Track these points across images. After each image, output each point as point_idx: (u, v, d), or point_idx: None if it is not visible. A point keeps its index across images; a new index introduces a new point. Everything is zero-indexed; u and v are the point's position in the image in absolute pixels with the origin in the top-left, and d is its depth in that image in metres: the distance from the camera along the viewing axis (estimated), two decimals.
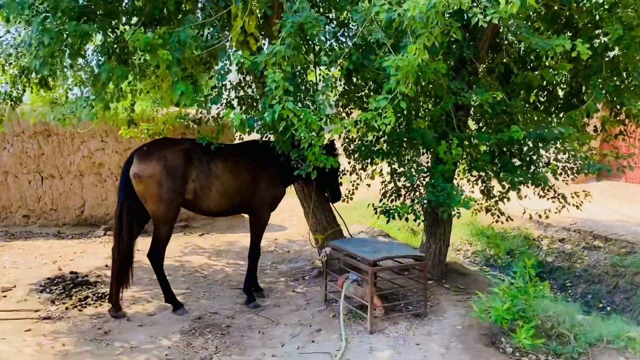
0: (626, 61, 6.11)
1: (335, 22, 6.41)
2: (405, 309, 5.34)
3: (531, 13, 6.93)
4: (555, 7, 6.12)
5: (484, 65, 7.08)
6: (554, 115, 7.36)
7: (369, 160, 5.90)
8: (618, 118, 7.27)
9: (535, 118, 6.77)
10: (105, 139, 9.95)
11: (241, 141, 6.07)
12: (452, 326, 4.87)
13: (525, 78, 6.37)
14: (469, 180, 6.45)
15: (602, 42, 6.27)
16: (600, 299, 7.44)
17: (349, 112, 6.87)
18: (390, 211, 5.70)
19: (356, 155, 6.13)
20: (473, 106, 6.92)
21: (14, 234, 9.64)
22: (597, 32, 6.48)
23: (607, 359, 4.21)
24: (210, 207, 5.48)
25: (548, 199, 6.29)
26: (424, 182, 5.93)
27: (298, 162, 5.32)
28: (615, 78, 6.25)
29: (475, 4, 4.36)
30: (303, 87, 5.35)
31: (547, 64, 7.50)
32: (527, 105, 6.97)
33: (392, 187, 6.12)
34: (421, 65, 4.93)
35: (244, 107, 5.80)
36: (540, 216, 7.02)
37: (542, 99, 7.87)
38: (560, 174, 6.06)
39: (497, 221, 7.15)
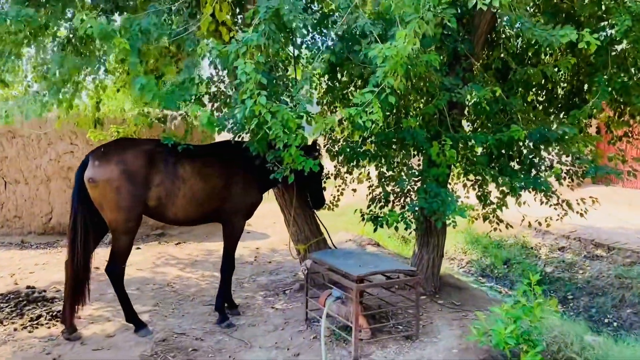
0: (635, 55, 5.69)
1: (319, 14, 5.94)
2: (394, 329, 4.84)
3: (530, 5, 6.53)
4: None
5: (480, 62, 6.63)
6: (553, 116, 6.96)
7: (354, 163, 5.40)
8: (622, 118, 6.87)
9: (535, 118, 6.33)
10: (74, 141, 9.38)
11: (213, 142, 5.54)
12: (447, 349, 4.38)
13: (524, 74, 5.93)
14: (464, 186, 5.98)
15: (608, 35, 5.86)
16: (605, 314, 7.00)
17: (334, 110, 6.39)
18: (379, 219, 5.22)
19: (341, 158, 5.62)
20: (468, 105, 6.50)
21: None
22: (602, 24, 6.07)
23: None
24: (177, 215, 4.95)
25: (551, 205, 5.83)
26: (416, 187, 5.45)
27: (274, 165, 4.81)
28: (622, 74, 5.82)
29: None
30: (280, 82, 4.84)
31: (545, 60, 7.06)
32: (525, 105, 6.53)
33: (380, 193, 5.63)
34: (411, 56, 4.49)
35: (216, 104, 5.28)
36: (540, 224, 6.57)
37: (540, 98, 7.46)
38: (564, 178, 5.61)
39: (495, 229, 6.70)
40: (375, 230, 5.31)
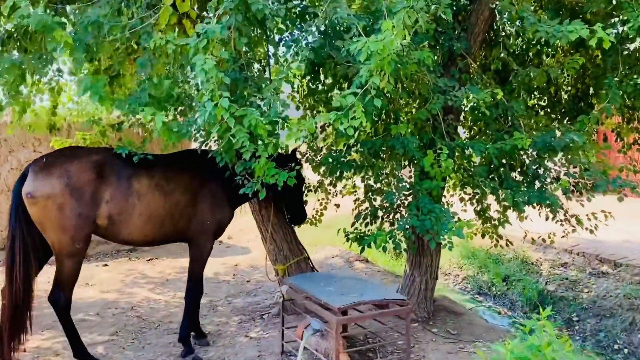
0: None
1: (299, 8, 5.40)
2: None
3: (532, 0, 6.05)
4: None
5: (477, 62, 6.13)
6: (557, 122, 6.46)
7: (336, 175, 4.84)
8: (631, 125, 6.40)
9: (538, 124, 5.83)
10: (38, 148, 8.76)
11: (176, 151, 4.96)
12: None
13: (527, 76, 5.42)
14: (462, 199, 5.43)
15: (620, 32, 5.37)
16: (615, 339, 6.46)
17: (316, 115, 5.83)
18: (365, 238, 4.65)
19: (323, 169, 5.05)
20: (465, 109, 5.98)
21: None
22: (612, 21, 5.59)
23: None
24: (132, 236, 4.37)
25: (557, 221, 5.29)
26: (407, 202, 4.89)
27: (244, 178, 4.25)
28: (635, 76, 5.32)
29: None
30: (252, 83, 4.28)
31: (547, 62, 6.55)
32: (527, 110, 6.01)
33: (366, 208, 5.07)
34: (401, 53, 3.96)
35: (180, 108, 4.72)
36: (544, 241, 6.05)
37: (542, 103, 6.97)
38: (573, 191, 5.07)
39: (495, 245, 6.17)
40: (362, 250, 4.75)
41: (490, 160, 5.14)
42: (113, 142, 6.58)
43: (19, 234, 4.17)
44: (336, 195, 5.94)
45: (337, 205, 5.83)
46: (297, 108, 5.91)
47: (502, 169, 5.28)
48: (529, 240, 5.95)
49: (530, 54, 6.56)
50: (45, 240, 4.24)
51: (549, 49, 6.71)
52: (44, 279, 4.94)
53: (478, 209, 5.41)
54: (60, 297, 4.25)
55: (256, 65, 5.91)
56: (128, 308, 6.20)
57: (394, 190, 4.82)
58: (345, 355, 3.98)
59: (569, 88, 6.82)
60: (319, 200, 5.94)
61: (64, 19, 4.50)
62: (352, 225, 5.01)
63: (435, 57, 5.26)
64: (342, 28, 4.65)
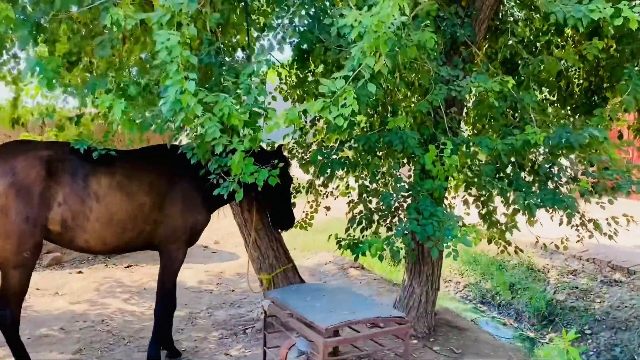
0: None
1: None
2: None
3: None
4: None
5: (482, 52, 5.65)
6: (568, 117, 5.99)
7: (327, 175, 4.34)
8: None
9: (551, 118, 5.36)
10: None
11: (143, 147, 4.44)
12: None
13: (539, 65, 4.95)
14: (465, 202, 4.93)
15: None
16: (632, 354, 5.97)
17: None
18: (359, 245, 4.14)
19: (311, 167, 4.55)
20: (469, 101, 5.52)
21: None
22: (633, 3, 5.11)
23: None
24: (89, 243, 3.86)
25: (573, 226, 4.80)
26: (406, 205, 4.39)
27: (220, 177, 3.73)
28: None
29: None
30: (228, 69, 3.78)
31: (556, 53, 6.05)
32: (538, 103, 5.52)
33: (361, 211, 4.57)
34: (398, 32, 3.47)
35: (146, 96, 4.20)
36: (557, 247, 5.57)
37: (552, 97, 6.50)
38: (591, 192, 4.57)
39: (502, 252, 5.67)
40: (355, 259, 4.25)
41: (498, 158, 4.68)
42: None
43: None
44: (327, 196, 5.43)
45: (327, 208, 5.32)
46: (285, 99, 5.41)
47: (510, 167, 4.80)
48: (535, 245, 5.43)
49: (539, 44, 6.09)
50: None
51: (559, 40, 6.26)
52: None
53: (483, 212, 4.91)
54: (6, 313, 3.73)
55: (241, 55, 5.42)
56: (98, 321, 5.67)
57: (391, 192, 4.33)
58: None
59: (581, 81, 6.34)
60: (309, 202, 5.43)
61: None
62: (346, 230, 4.51)
63: (437, 45, 4.80)
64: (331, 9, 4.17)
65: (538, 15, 5.81)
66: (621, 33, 4.92)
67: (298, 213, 5.46)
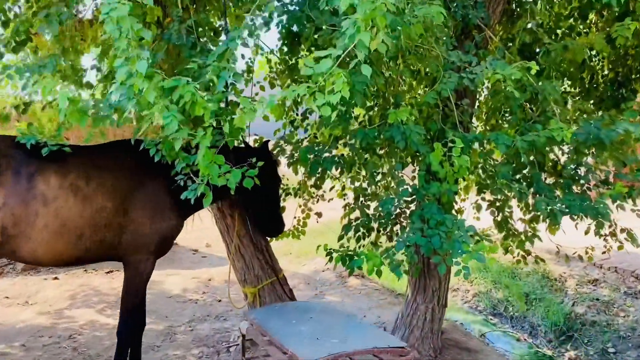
0: None
1: None
2: None
3: None
4: None
5: (497, 37, 5.12)
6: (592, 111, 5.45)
7: (318, 174, 3.80)
8: None
9: (578, 111, 4.82)
10: None
11: (105, 142, 3.90)
12: None
13: (564, 51, 4.42)
14: (478, 208, 4.38)
15: None
16: None
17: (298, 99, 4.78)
18: (355, 259, 3.61)
19: (301, 167, 4.00)
20: (481, 92, 4.99)
21: None
22: None
23: None
24: (37, 254, 3.34)
25: (601, 236, 4.25)
26: (409, 211, 3.84)
27: (188, 177, 3.21)
28: None
29: None
30: (201, 50, 3.25)
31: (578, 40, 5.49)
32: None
33: (357, 218, 4.03)
34: (400, 6, 2.95)
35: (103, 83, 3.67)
36: (581, 258, 5.03)
37: (573, 90, 5.97)
38: (624, 197, 4.01)
39: (518, 262, 5.13)
40: (351, 273, 3.71)
41: (515, 158, 4.14)
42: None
43: None
44: (317, 200, 4.89)
45: (319, 215, 4.78)
46: (272, 87, 4.87)
47: (530, 168, 4.25)
48: (556, 255, 4.89)
49: (559, 31, 5.55)
50: None
51: (581, 26, 5.71)
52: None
53: (499, 219, 4.36)
54: None
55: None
56: (65, 336, 5.16)
57: (392, 196, 3.78)
58: None
59: (606, 72, 5.79)
60: (300, 206, 4.89)
61: None
62: (339, 239, 3.98)
63: (446, 27, 4.27)
64: None
65: None
66: None
67: (289, 218, 4.94)
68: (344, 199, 4.55)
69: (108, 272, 7.55)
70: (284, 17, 4.05)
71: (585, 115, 5.04)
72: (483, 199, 4.28)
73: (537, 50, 4.95)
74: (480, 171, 4.13)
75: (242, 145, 4.54)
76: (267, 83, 5.08)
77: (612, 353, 6.06)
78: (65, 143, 3.40)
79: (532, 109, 4.53)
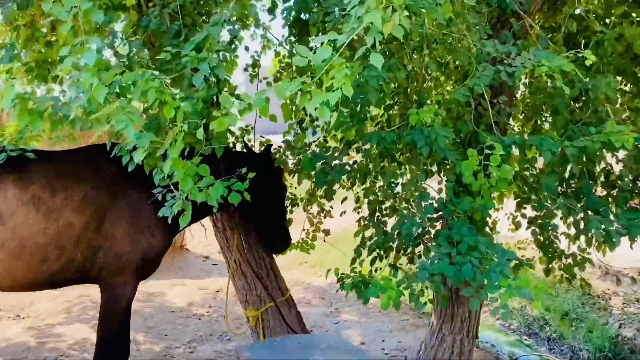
0: None
1: None
2: None
3: None
4: None
5: (539, 25, 4.53)
6: None
7: (325, 186, 3.27)
8: None
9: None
10: None
11: (77, 148, 3.43)
12: None
13: (618, 41, 3.85)
14: (516, 224, 3.78)
15: None
16: None
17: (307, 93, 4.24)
18: (370, 287, 3.06)
19: (306, 176, 3.46)
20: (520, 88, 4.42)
21: None
22: None
23: None
24: None
25: None
26: (434, 230, 3.27)
27: (167, 190, 2.72)
28: None
29: None
30: (182, 39, 2.75)
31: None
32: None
33: (373, 237, 3.48)
34: None
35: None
36: (634, 279, 4.41)
37: (624, 87, 5.30)
38: None
39: (561, 282, 4.53)
40: (364, 303, 3.16)
41: (561, 166, 3.56)
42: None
43: None
44: (324, 216, 4.35)
45: (326, 233, 4.24)
46: (276, 81, 4.36)
47: (578, 179, 3.64)
48: (613, 279, 4.26)
49: (608, 20, 4.90)
50: None
51: (634, 14, 5.05)
52: None
53: (541, 238, 3.75)
54: None
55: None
56: (51, 358, 4.74)
57: (414, 211, 3.22)
58: None
59: None
60: (310, 215, 4.36)
61: None
62: (351, 262, 3.44)
63: (480, 11, 3.70)
64: None
65: None
66: None
67: (297, 230, 4.43)
68: (359, 212, 4.00)
69: None
70: (291, 1, 3.55)
71: None
72: (523, 215, 3.68)
73: (584, 40, 4.35)
74: (520, 182, 3.54)
75: (244, 150, 4.06)
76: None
77: None
78: (29, 148, 2.94)
79: (581, 108, 3.94)
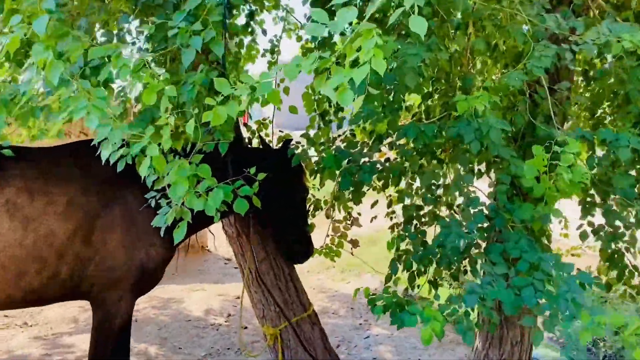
0: None
1: None
2: None
3: None
4: None
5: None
6: None
7: (351, 189, 2.79)
8: None
9: None
10: None
11: (63, 144, 3.03)
12: None
13: None
14: (582, 236, 3.22)
15: None
16: None
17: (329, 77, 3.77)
18: (406, 309, 2.59)
19: (330, 176, 2.99)
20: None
21: None
22: None
23: None
24: None
25: None
26: (485, 243, 2.76)
27: (162, 196, 2.30)
28: None
29: None
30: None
31: None
32: None
33: (406, 251, 2.99)
34: None
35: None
36: None
37: None
38: None
39: (623, 298, 3.97)
40: (399, 327, 2.67)
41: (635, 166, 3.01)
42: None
43: None
44: (350, 224, 3.86)
45: (354, 244, 3.76)
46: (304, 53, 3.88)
47: None
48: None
49: None
50: None
51: None
52: None
53: (609, 250, 3.19)
54: None
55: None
56: None
57: (459, 219, 2.71)
58: None
59: None
60: (332, 221, 3.89)
61: None
62: (386, 279, 2.95)
63: None
64: None
65: None
66: None
67: (320, 235, 3.96)
68: (392, 218, 3.51)
69: None
70: None
71: None
72: (590, 223, 3.12)
73: None
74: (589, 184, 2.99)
75: (259, 146, 3.61)
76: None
77: None
78: (5, 144, 2.55)
79: None
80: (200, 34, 1.83)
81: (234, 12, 3.62)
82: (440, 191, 2.93)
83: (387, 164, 2.87)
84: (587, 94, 4.06)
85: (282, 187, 3.24)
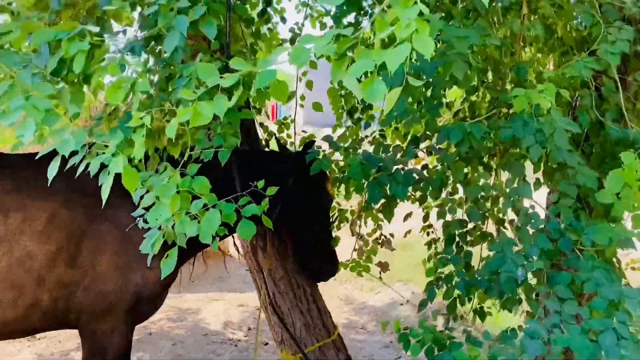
0: None
1: None
2: None
3: None
4: None
5: None
6: None
7: (381, 202, 2.37)
8: None
9: None
10: None
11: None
12: None
13: None
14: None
15: None
16: None
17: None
18: (440, 344, 2.16)
19: (356, 188, 2.55)
20: None
21: None
22: None
23: None
24: None
25: None
26: (546, 270, 2.30)
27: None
28: None
29: None
30: None
31: None
32: None
33: (451, 272, 2.54)
34: None
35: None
36: None
37: None
38: None
39: None
40: None
41: None
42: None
43: None
44: (382, 245, 3.41)
45: (383, 268, 3.31)
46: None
47: None
48: None
49: None
50: None
51: None
52: None
53: None
54: None
55: None
56: None
57: (512, 238, 2.25)
58: None
59: None
60: (360, 237, 3.45)
61: None
62: (420, 306, 2.52)
63: None
64: None
65: None
66: None
67: (344, 250, 3.53)
68: (429, 233, 3.06)
69: None
70: None
71: None
72: None
73: None
74: None
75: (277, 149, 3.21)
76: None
77: None
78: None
79: None
80: (188, 12, 1.43)
81: None
82: (488, 204, 2.47)
83: (425, 173, 2.43)
84: None
85: (302, 195, 2.84)
